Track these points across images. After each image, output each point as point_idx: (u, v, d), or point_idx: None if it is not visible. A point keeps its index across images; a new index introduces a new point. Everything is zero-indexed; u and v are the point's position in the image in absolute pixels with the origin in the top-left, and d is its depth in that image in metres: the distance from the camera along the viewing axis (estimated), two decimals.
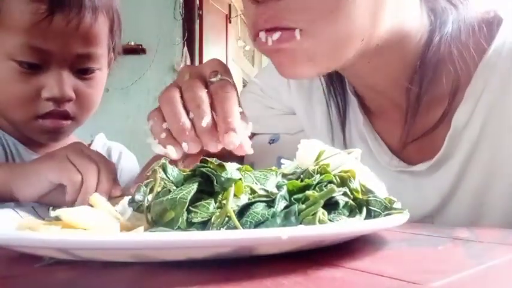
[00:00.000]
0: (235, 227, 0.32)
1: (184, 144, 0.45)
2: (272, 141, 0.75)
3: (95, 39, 0.69)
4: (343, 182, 0.38)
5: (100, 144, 0.84)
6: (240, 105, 0.47)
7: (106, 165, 0.55)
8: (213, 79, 0.47)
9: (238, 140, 0.44)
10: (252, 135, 0.73)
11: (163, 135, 0.46)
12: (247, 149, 0.45)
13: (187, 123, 0.45)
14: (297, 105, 0.72)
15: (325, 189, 0.35)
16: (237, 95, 0.48)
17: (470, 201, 0.57)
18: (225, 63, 0.51)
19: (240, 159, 0.73)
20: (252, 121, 0.70)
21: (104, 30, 0.71)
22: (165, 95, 0.48)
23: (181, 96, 0.47)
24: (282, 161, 0.44)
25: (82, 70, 0.69)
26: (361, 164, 0.42)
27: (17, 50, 0.64)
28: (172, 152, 0.45)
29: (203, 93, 0.46)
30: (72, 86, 0.67)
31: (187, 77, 0.48)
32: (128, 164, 0.85)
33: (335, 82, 0.66)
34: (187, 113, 0.46)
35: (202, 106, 0.45)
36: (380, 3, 0.49)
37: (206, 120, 0.44)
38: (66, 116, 0.68)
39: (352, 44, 0.50)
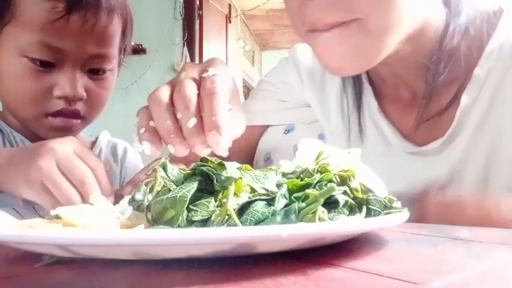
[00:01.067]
0: (235, 225, 0.32)
1: (170, 147, 0.44)
2: (287, 131, 0.76)
3: (109, 40, 0.69)
4: (343, 181, 0.38)
5: (105, 141, 0.84)
6: (237, 100, 0.47)
7: (96, 174, 0.50)
8: (204, 74, 0.46)
9: (223, 139, 0.42)
10: (266, 127, 0.77)
11: (142, 130, 0.45)
12: (223, 150, 0.43)
13: (173, 126, 0.44)
14: (310, 98, 0.74)
15: (325, 188, 0.35)
16: (229, 91, 0.47)
17: (477, 176, 0.61)
18: (224, 61, 0.50)
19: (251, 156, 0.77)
20: (266, 115, 0.73)
21: (117, 32, 0.72)
22: (154, 93, 0.47)
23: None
24: (281, 162, 0.43)
25: (94, 70, 0.69)
26: (361, 163, 0.42)
27: (31, 47, 0.64)
28: (147, 149, 0.44)
29: (192, 93, 0.45)
30: (84, 86, 0.68)
31: (183, 76, 0.47)
32: (133, 161, 0.85)
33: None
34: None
35: (189, 107, 0.44)
36: None
37: (192, 122, 0.43)
38: (76, 115, 0.68)
39: (399, 34, 0.54)
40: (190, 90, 0.45)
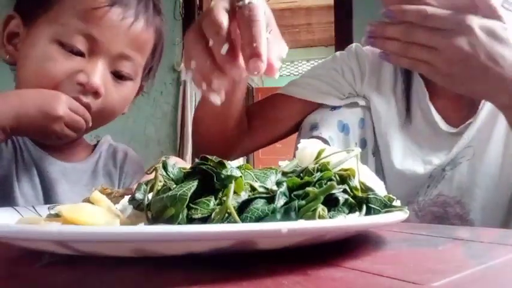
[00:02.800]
0: (235, 223, 0.32)
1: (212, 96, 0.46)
2: (333, 108, 0.85)
3: (140, 45, 0.70)
4: (343, 180, 0.38)
5: (105, 145, 0.84)
6: (274, 26, 0.47)
7: None
8: (240, 3, 0.46)
9: (264, 65, 0.43)
10: (314, 105, 0.86)
11: (189, 73, 0.47)
12: (275, 71, 0.44)
13: (207, 65, 0.45)
14: (368, 86, 0.86)
15: (325, 186, 0.35)
16: (266, 19, 0.47)
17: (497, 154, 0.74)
18: None
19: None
20: (319, 96, 0.85)
21: (149, 43, 0.73)
22: (188, 33, 0.48)
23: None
24: (280, 162, 0.43)
25: (117, 74, 0.69)
26: (361, 163, 0.42)
27: (66, 32, 0.65)
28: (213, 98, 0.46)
29: (223, 19, 0.45)
30: (104, 83, 0.67)
31: (213, 4, 0.47)
32: (134, 166, 0.84)
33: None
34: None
35: (220, 32, 0.44)
36: None
37: (225, 49, 0.43)
38: (87, 108, 0.67)
39: None
40: (220, 16, 0.45)
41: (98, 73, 0.66)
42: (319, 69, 0.92)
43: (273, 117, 0.89)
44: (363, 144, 0.84)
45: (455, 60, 0.59)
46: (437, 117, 0.80)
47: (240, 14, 0.45)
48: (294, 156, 0.60)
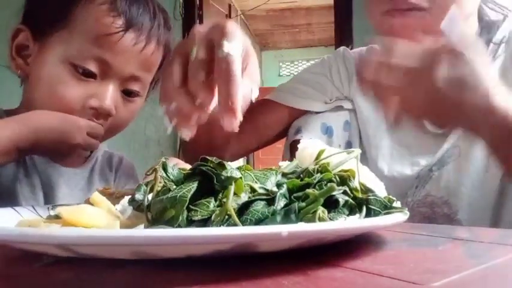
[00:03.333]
0: (235, 225, 0.32)
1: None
2: (318, 112, 0.87)
3: (150, 66, 0.71)
4: (343, 181, 0.38)
5: (101, 151, 0.84)
6: (252, 66, 0.49)
7: None
8: (219, 54, 0.45)
9: (237, 122, 0.44)
10: (302, 111, 0.88)
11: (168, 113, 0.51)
12: (235, 127, 0.45)
13: (187, 106, 0.47)
14: (356, 90, 0.85)
15: (325, 188, 0.35)
16: (243, 52, 0.47)
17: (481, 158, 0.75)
18: (233, 25, 0.49)
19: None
20: (313, 102, 0.87)
21: (157, 62, 0.73)
22: (165, 70, 0.50)
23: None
24: (280, 163, 0.43)
25: (127, 92, 0.70)
26: (361, 163, 0.42)
27: (80, 55, 0.65)
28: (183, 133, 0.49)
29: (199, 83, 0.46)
30: (115, 104, 0.68)
31: (194, 54, 0.47)
32: (127, 171, 0.86)
33: None
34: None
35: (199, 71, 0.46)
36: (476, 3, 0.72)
37: (202, 75, 0.45)
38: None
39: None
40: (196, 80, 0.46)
41: (110, 96, 0.67)
42: (307, 73, 0.94)
43: (262, 122, 0.91)
44: (348, 146, 0.86)
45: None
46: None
47: (217, 64, 0.45)
48: (283, 158, 0.62)
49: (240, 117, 0.44)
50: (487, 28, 0.78)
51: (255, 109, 0.92)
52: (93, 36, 0.65)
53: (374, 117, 0.84)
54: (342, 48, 0.94)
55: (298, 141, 0.79)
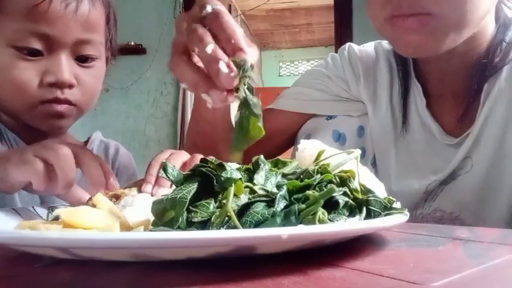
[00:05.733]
0: (235, 227, 0.32)
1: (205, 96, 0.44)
2: (329, 117, 0.83)
3: (93, 25, 0.70)
4: (343, 182, 0.38)
5: (96, 141, 0.84)
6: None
7: (88, 153, 0.54)
8: (204, 13, 0.45)
9: (250, 58, 0.42)
10: (313, 115, 0.84)
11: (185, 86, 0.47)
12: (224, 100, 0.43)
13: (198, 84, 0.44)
14: (363, 92, 0.82)
15: (325, 189, 0.35)
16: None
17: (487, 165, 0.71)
18: None
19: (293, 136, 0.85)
20: (317, 104, 0.84)
21: (101, 19, 0.72)
22: (173, 60, 0.48)
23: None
24: (301, 141, 0.44)
25: (82, 58, 0.70)
26: (361, 164, 0.42)
27: (17, 36, 0.65)
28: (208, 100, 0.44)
29: (203, 31, 0.45)
30: (73, 73, 0.68)
31: (185, 25, 0.47)
32: (125, 161, 0.85)
33: (400, 71, 0.80)
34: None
35: (204, 38, 0.44)
36: (493, 2, 0.67)
37: (211, 47, 0.42)
38: (68, 103, 0.68)
39: (469, 29, 0.65)
40: (199, 30, 0.45)
41: (63, 67, 0.66)
42: (309, 75, 0.89)
43: (267, 132, 0.86)
44: (362, 153, 0.80)
45: None
46: (434, 127, 0.75)
47: (208, 21, 0.45)
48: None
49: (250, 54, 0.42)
50: (504, 27, 0.72)
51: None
52: (24, 13, 0.64)
53: (383, 124, 0.80)
54: (347, 45, 0.88)
55: None
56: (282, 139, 0.86)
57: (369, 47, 0.87)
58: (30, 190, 0.53)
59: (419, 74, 0.78)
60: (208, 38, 0.43)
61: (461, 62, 0.72)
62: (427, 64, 0.76)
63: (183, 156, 0.59)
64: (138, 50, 2.98)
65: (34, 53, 0.66)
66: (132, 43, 2.94)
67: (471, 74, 0.71)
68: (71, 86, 0.67)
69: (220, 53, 0.42)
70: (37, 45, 0.65)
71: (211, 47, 0.42)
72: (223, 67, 0.41)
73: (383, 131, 0.80)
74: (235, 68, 0.41)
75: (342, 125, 0.81)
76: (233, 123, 0.74)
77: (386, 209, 0.37)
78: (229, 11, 4.66)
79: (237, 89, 0.43)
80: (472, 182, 0.71)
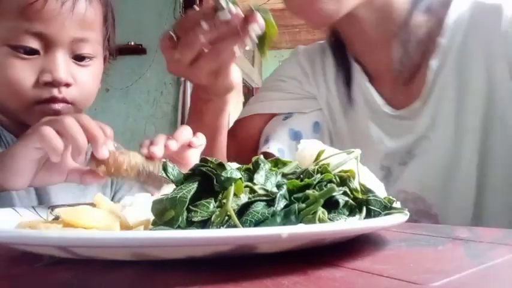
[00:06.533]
0: (235, 226, 0.32)
1: None
2: (286, 117, 0.88)
3: (89, 24, 0.69)
4: (343, 181, 0.38)
5: None
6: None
7: (85, 115, 0.55)
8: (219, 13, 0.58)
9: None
10: (272, 116, 0.89)
11: None
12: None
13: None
14: (315, 86, 0.88)
15: (325, 189, 0.35)
16: None
17: (447, 143, 0.72)
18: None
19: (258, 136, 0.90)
20: (275, 104, 0.90)
21: (98, 16, 0.72)
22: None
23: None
24: (301, 141, 0.45)
25: (79, 57, 0.69)
26: (361, 164, 0.42)
27: (12, 35, 0.64)
28: None
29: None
30: (70, 72, 0.68)
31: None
32: None
33: (342, 58, 0.85)
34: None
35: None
36: None
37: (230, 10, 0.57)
38: (65, 102, 0.68)
39: None
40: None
41: (60, 66, 0.66)
42: (268, 80, 0.97)
43: (243, 136, 0.92)
44: None
45: None
46: (377, 98, 0.79)
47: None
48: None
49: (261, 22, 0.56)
50: None
51: (236, 125, 0.95)
52: (19, 11, 0.64)
53: (332, 109, 0.85)
54: (296, 48, 0.96)
55: (267, 153, 0.84)
56: (254, 142, 0.91)
57: (316, 45, 0.94)
58: (47, 168, 0.55)
59: (356, 57, 0.84)
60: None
61: (382, 35, 0.76)
62: (355, 42, 0.81)
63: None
64: (138, 50, 2.98)
65: (30, 52, 0.65)
66: (132, 43, 2.94)
67: (399, 48, 0.75)
68: (67, 85, 0.67)
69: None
70: (33, 44, 0.65)
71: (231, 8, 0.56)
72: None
73: (334, 116, 0.85)
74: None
75: (297, 124, 0.86)
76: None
77: (386, 208, 0.37)
78: None
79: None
80: (433, 161, 0.73)
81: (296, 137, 0.85)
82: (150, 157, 0.54)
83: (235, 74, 0.68)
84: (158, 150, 0.55)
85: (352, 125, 0.83)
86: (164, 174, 0.36)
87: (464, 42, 0.71)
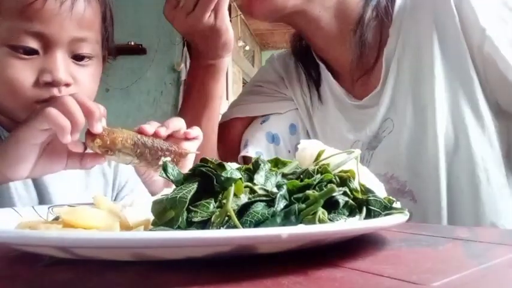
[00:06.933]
0: (235, 226, 0.32)
1: None
2: (263, 121, 0.92)
3: (88, 23, 0.70)
4: (343, 182, 0.37)
5: None
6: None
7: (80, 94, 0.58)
8: None
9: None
10: (252, 119, 0.94)
11: None
12: None
13: None
14: (290, 88, 0.93)
15: (325, 189, 0.35)
16: None
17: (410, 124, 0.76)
18: None
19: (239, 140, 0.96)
20: (250, 107, 0.95)
21: (96, 17, 0.72)
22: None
23: None
24: (301, 141, 0.46)
25: (78, 57, 0.69)
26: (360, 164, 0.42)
27: (11, 35, 0.64)
28: None
29: None
30: (70, 72, 0.68)
31: None
32: (127, 167, 0.85)
33: (309, 61, 0.91)
34: None
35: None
36: None
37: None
38: None
39: None
40: None
41: (59, 66, 0.66)
42: (247, 85, 1.03)
43: (228, 139, 0.95)
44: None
45: None
46: (341, 91, 0.85)
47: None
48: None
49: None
50: None
51: (220, 128, 0.96)
52: (18, 11, 0.64)
53: (303, 107, 0.90)
54: (272, 54, 1.02)
55: (246, 157, 0.88)
56: (236, 147, 0.95)
57: (290, 50, 0.98)
58: (47, 154, 0.57)
59: (319, 56, 0.89)
60: None
61: (339, 31, 0.81)
62: (315, 41, 0.86)
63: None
64: (138, 50, 2.98)
65: (30, 52, 0.65)
66: (132, 43, 2.94)
67: (356, 43, 0.80)
68: (67, 85, 0.67)
69: None
70: (32, 44, 0.65)
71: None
72: None
73: (310, 113, 0.91)
74: None
75: (274, 127, 0.91)
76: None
77: (386, 208, 0.37)
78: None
79: None
80: (399, 139, 0.77)
81: (274, 139, 0.90)
82: (141, 132, 0.57)
83: (230, 30, 0.75)
84: (149, 127, 0.57)
85: (323, 120, 0.88)
86: (164, 175, 0.36)
87: (410, 21, 0.77)
